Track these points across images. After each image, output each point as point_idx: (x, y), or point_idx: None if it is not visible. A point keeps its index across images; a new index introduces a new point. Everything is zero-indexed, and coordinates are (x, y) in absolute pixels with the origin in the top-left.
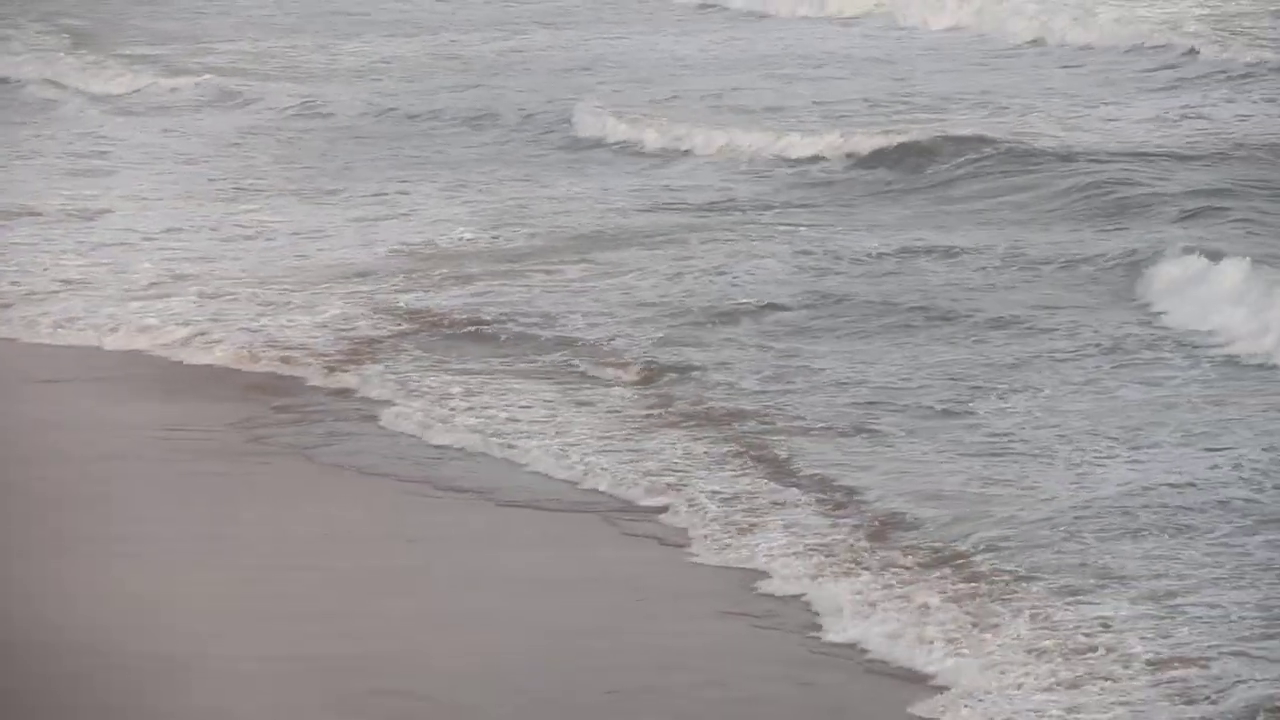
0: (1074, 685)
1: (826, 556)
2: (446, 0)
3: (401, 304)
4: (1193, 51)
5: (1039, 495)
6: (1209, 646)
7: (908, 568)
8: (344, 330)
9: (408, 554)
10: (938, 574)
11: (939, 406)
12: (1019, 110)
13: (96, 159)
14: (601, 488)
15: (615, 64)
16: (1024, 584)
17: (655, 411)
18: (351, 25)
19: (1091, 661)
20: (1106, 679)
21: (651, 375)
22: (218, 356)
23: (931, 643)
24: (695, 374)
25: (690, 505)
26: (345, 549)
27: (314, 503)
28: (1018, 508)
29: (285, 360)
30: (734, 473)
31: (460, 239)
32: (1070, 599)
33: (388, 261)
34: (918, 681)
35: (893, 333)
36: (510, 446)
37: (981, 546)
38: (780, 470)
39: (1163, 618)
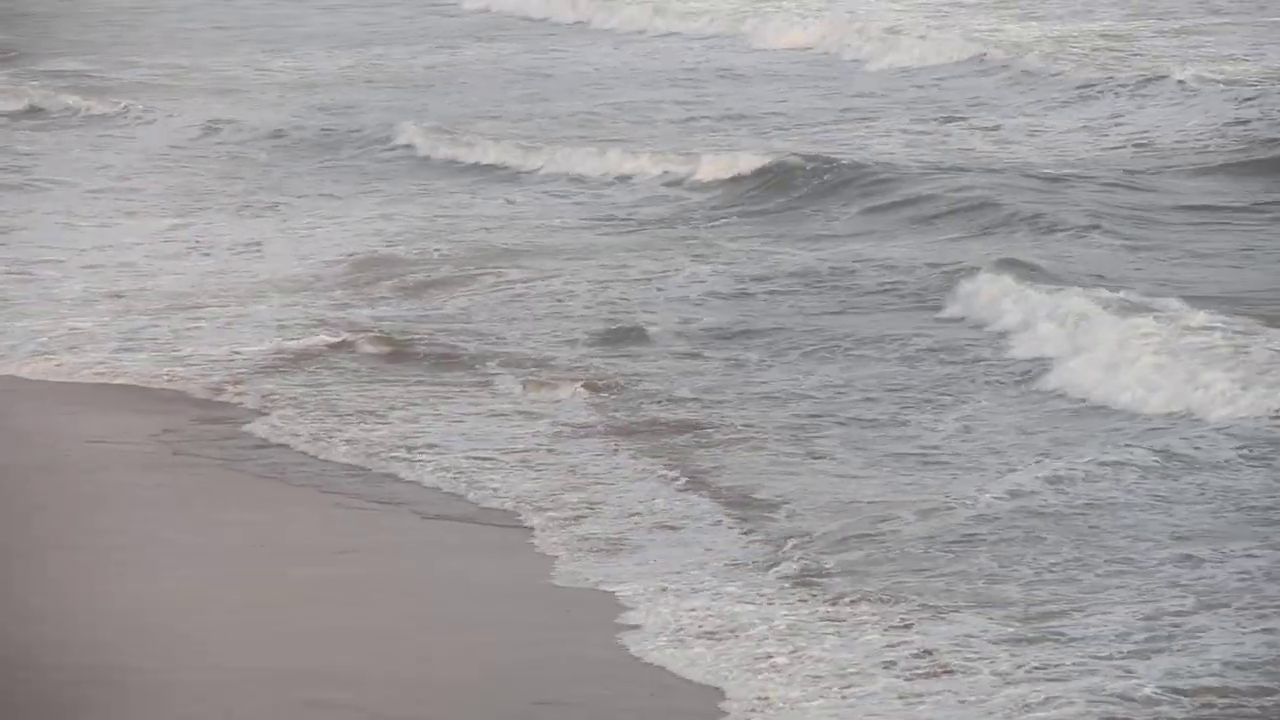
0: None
1: (706, 574)
2: (375, 13)
3: (324, 318)
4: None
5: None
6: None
7: (768, 588)
8: (266, 346)
9: (339, 565)
10: (799, 595)
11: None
12: (882, 130)
13: (13, 173)
14: (511, 500)
15: (543, 77)
16: (887, 605)
17: (581, 422)
18: (281, 38)
19: (920, 686)
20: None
21: (578, 387)
22: (139, 373)
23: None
24: (618, 386)
25: (596, 516)
26: (275, 560)
27: (240, 514)
28: (920, 520)
29: (206, 375)
30: (657, 483)
31: (376, 254)
32: (929, 618)
33: (311, 275)
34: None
35: (823, 354)
36: (435, 460)
37: (856, 565)
38: (695, 484)
39: (1032, 640)
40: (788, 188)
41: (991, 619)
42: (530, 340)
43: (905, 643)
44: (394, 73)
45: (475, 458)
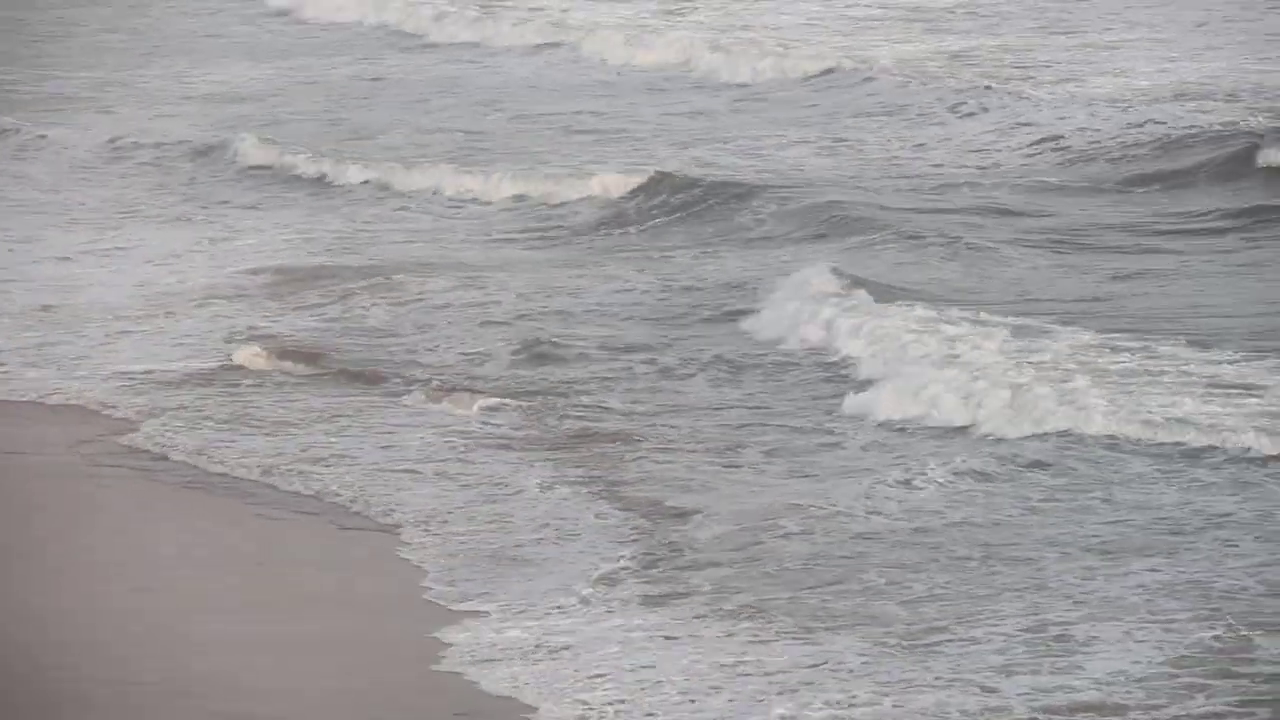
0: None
1: (577, 589)
2: (300, 23)
3: (242, 330)
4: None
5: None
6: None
7: (633, 603)
8: (181, 359)
9: (249, 575)
10: (656, 614)
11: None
12: (739, 148)
13: None
14: (408, 513)
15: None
16: (746, 620)
17: (486, 434)
18: (203, 50)
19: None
20: None
21: (493, 397)
22: (53, 388)
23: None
24: (527, 398)
25: (490, 530)
26: (189, 570)
27: (155, 526)
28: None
29: (122, 389)
30: (561, 496)
31: (289, 266)
32: (793, 639)
33: (232, 287)
34: None
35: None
36: (337, 473)
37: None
38: (596, 495)
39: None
40: (668, 204)
41: (859, 637)
42: (444, 352)
43: (750, 660)
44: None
45: (383, 470)
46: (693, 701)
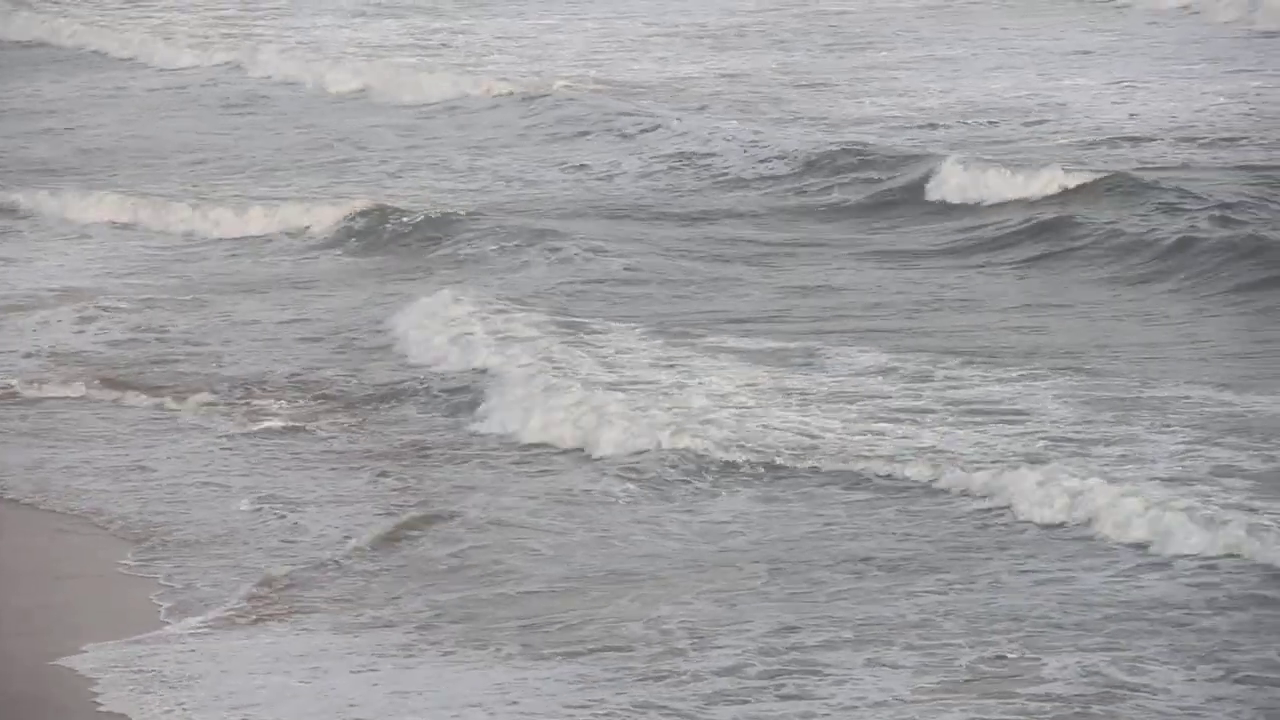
0: None
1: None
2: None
3: (40, 348)
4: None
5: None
6: None
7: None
8: None
9: (50, 592)
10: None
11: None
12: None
13: None
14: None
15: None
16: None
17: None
18: None
19: None
20: None
21: (299, 413)
22: None
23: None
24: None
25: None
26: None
27: None
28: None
29: None
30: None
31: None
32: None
33: (35, 305)
34: None
35: None
36: (165, 488)
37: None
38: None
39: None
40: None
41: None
42: (234, 368)
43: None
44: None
45: (210, 483)
46: None
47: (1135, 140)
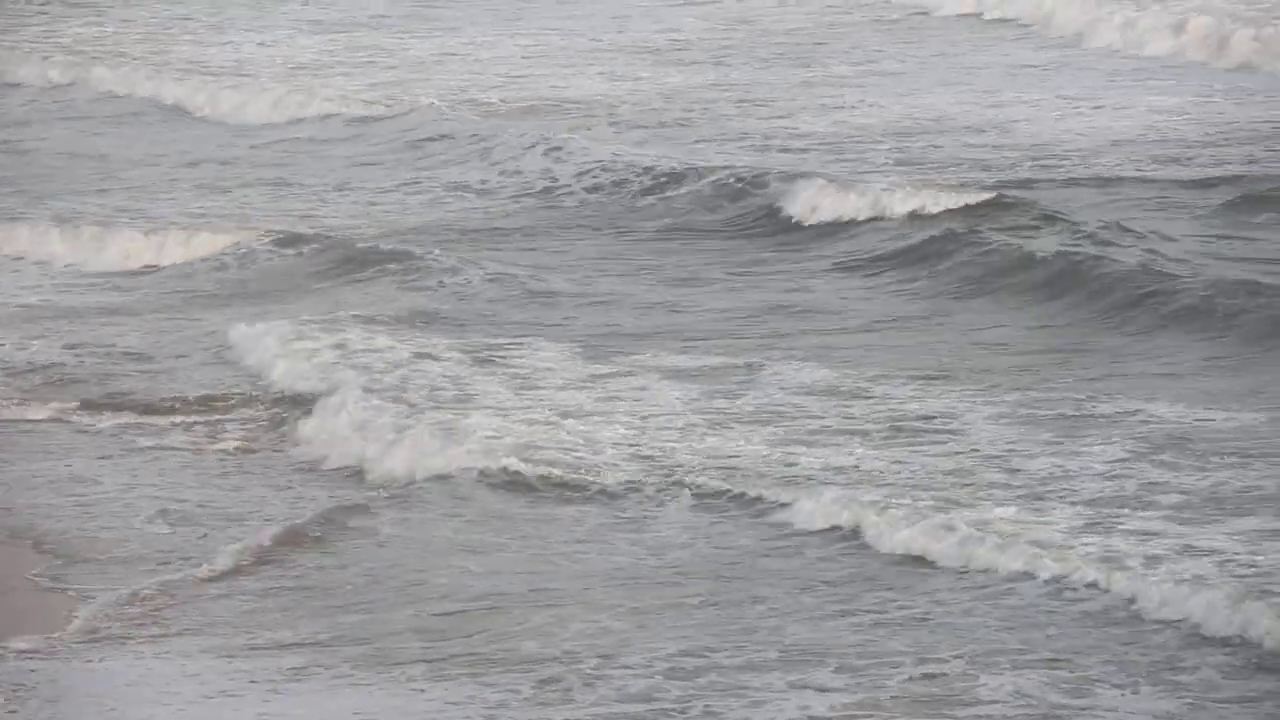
0: None
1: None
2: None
3: None
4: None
5: None
6: None
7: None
8: None
9: None
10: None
11: None
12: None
13: None
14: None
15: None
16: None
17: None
18: None
19: None
20: None
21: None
22: None
23: None
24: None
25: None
26: None
27: None
28: None
29: None
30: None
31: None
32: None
33: None
34: None
35: None
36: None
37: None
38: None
39: None
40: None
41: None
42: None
43: None
44: None
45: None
46: None
47: (1067, 157)
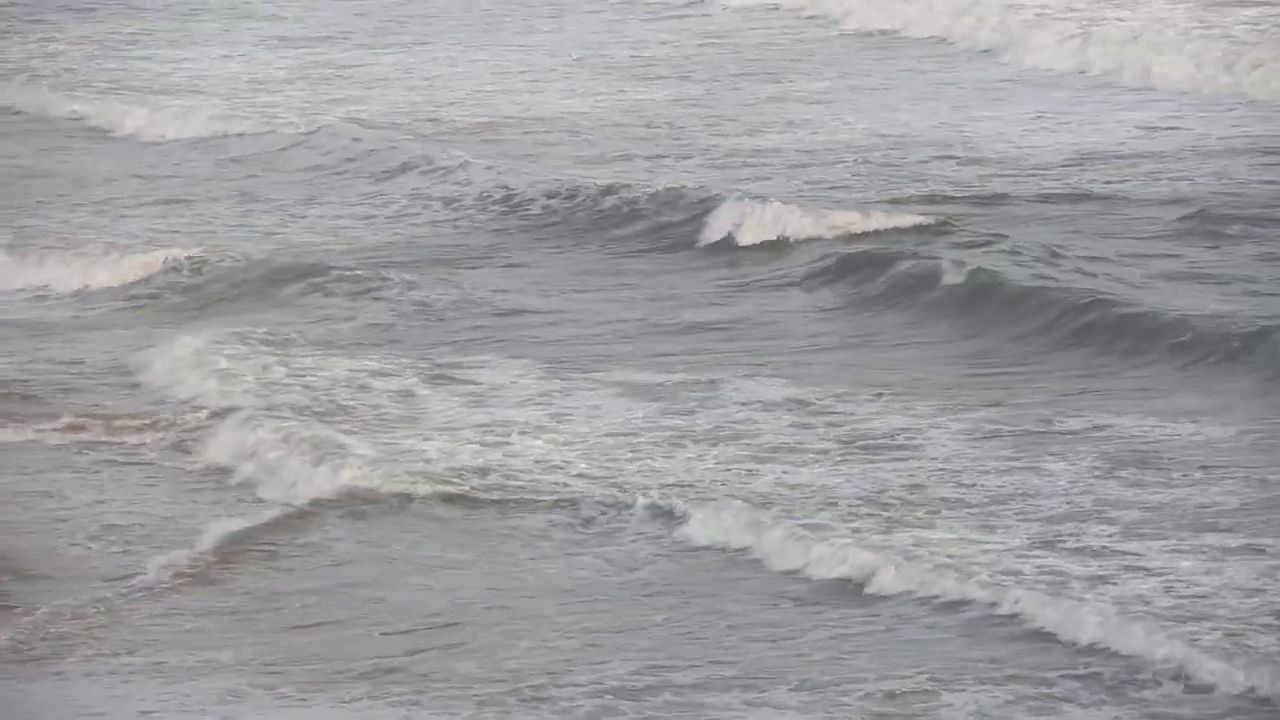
0: None
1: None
2: None
3: None
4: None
5: None
6: None
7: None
8: None
9: None
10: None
11: None
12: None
13: None
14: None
15: None
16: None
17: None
18: None
19: None
20: None
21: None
22: None
23: None
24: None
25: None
26: None
27: None
28: None
29: None
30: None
31: None
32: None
33: None
34: None
35: None
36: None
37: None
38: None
39: None
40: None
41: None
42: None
43: None
44: None
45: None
46: None
47: (1028, 173)
